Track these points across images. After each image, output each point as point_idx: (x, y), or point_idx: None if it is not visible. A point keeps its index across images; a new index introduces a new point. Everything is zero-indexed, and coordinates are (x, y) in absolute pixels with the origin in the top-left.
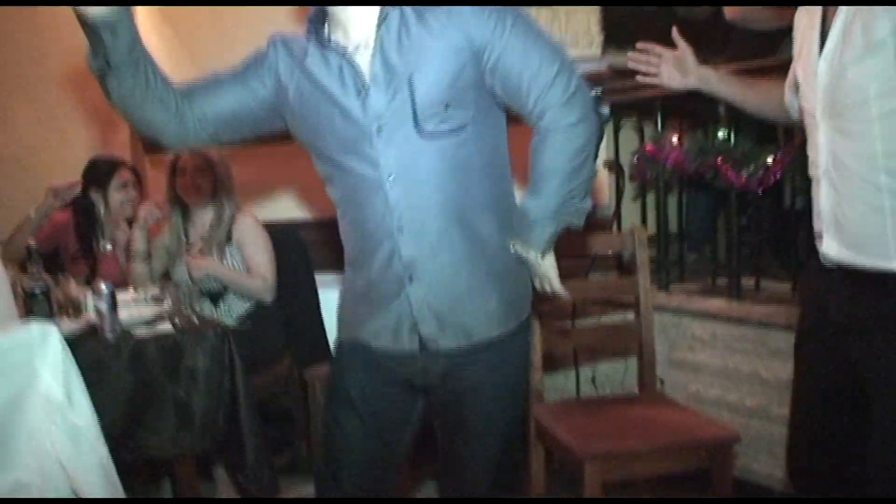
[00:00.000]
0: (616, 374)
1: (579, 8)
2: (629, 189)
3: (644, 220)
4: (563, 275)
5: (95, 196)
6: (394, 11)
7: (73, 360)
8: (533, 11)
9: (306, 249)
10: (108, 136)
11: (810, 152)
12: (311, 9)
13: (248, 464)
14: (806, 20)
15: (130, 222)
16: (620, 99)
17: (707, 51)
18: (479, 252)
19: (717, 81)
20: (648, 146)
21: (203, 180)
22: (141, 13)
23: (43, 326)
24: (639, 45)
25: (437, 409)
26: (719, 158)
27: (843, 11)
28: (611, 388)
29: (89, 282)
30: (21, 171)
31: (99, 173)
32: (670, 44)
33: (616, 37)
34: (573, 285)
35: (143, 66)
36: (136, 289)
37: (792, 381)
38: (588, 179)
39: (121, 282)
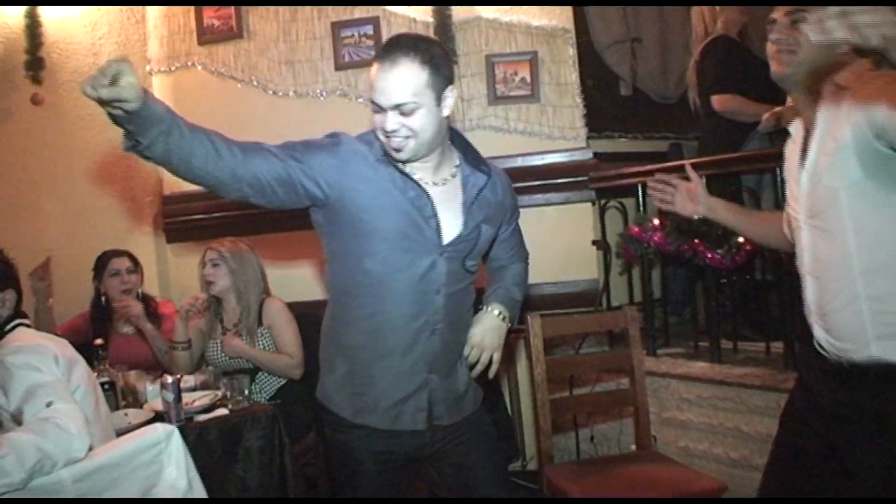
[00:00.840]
0: (612, 433)
1: (566, 105)
2: (616, 264)
3: (630, 292)
4: (559, 345)
5: (97, 285)
6: (478, 175)
7: (188, 453)
8: (524, 108)
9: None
10: (133, 228)
11: (797, 252)
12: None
13: None
14: (792, 147)
15: (148, 303)
16: (605, 184)
17: (676, 130)
18: (461, 351)
19: (724, 211)
20: (633, 228)
21: (220, 269)
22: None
23: (167, 428)
24: (658, 175)
25: (447, 475)
26: (696, 240)
27: (818, 127)
28: (607, 446)
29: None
30: (52, 261)
31: (98, 265)
32: (646, 126)
33: (598, 125)
34: (575, 359)
35: (172, 137)
36: (180, 375)
37: (773, 443)
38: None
39: (141, 363)
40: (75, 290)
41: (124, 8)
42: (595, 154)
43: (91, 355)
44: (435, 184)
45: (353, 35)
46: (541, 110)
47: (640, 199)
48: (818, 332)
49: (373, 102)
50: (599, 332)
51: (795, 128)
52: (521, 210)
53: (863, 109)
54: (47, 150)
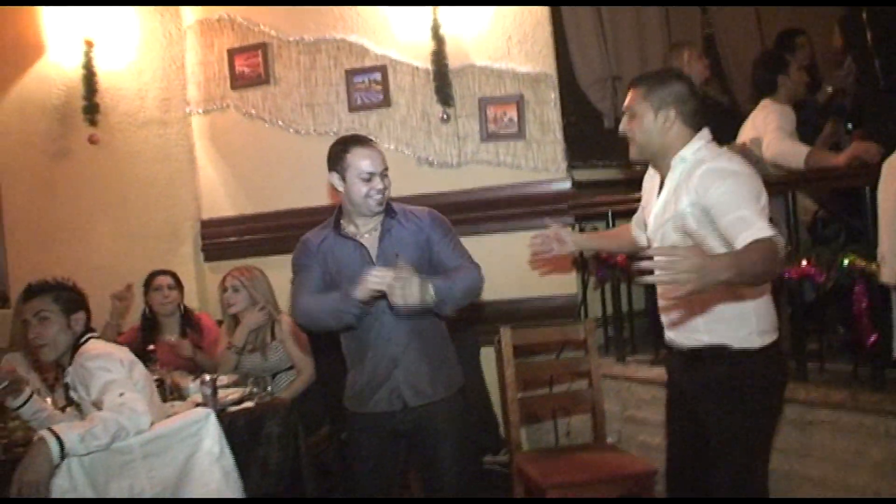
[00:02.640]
0: (585, 427)
1: (548, 141)
2: (591, 281)
3: (603, 305)
4: (542, 351)
5: (147, 299)
6: (390, 219)
7: (222, 430)
8: (512, 145)
9: (337, 334)
10: (175, 248)
11: None
12: (335, 213)
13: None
14: (650, 183)
15: (189, 314)
16: (582, 211)
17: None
18: (431, 350)
19: (587, 241)
20: (602, 252)
21: (240, 294)
22: (203, 152)
23: (206, 410)
24: (533, 236)
25: (416, 447)
26: None
27: (666, 187)
28: (582, 438)
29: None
30: (103, 277)
31: (146, 282)
32: (628, 155)
33: (583, 156)
34: (541, 363)
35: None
36: (216, 375)
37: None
38: (466, 302)
39: (180, 366)
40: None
41: (166, 56)
42: (579, 183)
43: (145, 359)
44: (364, 235)
45: (364, 81)
46: (527, 146)
47: (610, 222)
48: (668, 332)
49: (362, 178)
50: (578, 339)
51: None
52: (511, 234)
53: (697, 191)
54: (101, 182)
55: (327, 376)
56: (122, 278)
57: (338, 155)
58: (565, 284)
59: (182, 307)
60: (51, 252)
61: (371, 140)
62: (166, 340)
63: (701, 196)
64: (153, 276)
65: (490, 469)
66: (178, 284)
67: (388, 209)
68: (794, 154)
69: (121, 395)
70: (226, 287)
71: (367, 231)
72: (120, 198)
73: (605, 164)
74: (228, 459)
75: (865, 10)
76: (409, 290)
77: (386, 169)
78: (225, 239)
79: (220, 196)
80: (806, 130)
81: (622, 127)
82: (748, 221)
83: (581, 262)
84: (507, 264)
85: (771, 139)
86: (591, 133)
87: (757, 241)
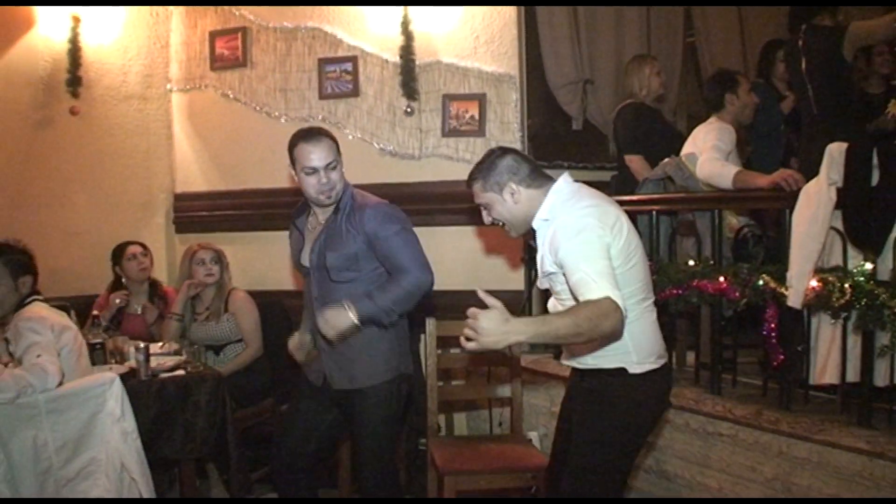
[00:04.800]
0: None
1: (507, 140)
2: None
3: (545, 302)
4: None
5: (118, 269)
6: (334, 215)
7: (125, 392)
8: (471, 141)
9: (288, 313)
10: (148, 219)
11: None
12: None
13: (232, 467)
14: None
15: (156, 286)
16: None
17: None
18: (361, 343)
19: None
20: None
21: (216, 267)
22: (180, 129)
23: (111, 375)
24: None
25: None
26: None
27: (538, 246)
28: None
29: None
30: (79, 243)
31: (116, 253)
32: (595, 157)
33: (548, 156)
34: (488, 356)
35: None
36: (162, 343)
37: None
38: (404, 308)
39: (145, 336)
40: (97, 267)
41: (151, 34)
42: None
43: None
44: (310, 230)
45: (335, 70)
46: (486, 144)
47: None
48: (563, 357)
49: (306, 172)
50: None
51: None
52: (464, 227)
53: (555, 251)
54: (80, 152)
55: (275, 350)
56: (97, 245)
57: (290, 150)
58: (512, 280)
59: (149, 279)
60: (28, 217)
61: (320, 134)
62: (131, 312)
63: (556, 255)
64: (125, 245)
65: (424, 451)
66: (148, 252)
67: (337, 205)
68: (722, 175)
69: (38, 356)
70: (203, 259)
71: (316, 223)
72: (98, 168)
73: (570, 166)
74: (129, 421)
75: (801, 39)
76: (332, 322)
77: (332, 163)
78: (196, 213)
79: (193, 171)
80: (771, 141)
81: (487, 220)
82: (584, 283)
83: (528, 259)
84: (457, 256)
85: (704, 159)
86: (559, 134)
87: (585, 303)
